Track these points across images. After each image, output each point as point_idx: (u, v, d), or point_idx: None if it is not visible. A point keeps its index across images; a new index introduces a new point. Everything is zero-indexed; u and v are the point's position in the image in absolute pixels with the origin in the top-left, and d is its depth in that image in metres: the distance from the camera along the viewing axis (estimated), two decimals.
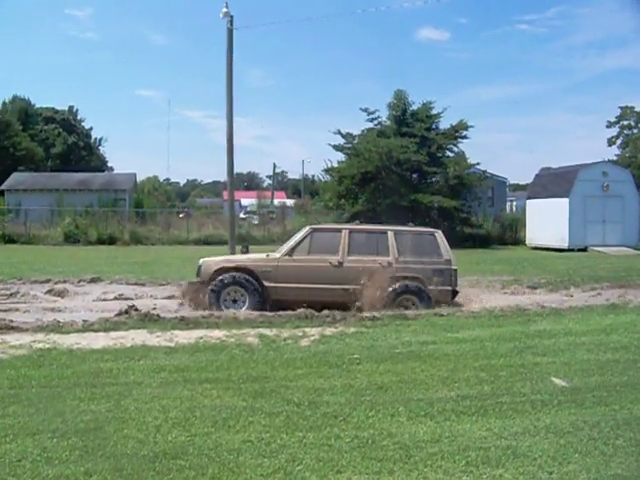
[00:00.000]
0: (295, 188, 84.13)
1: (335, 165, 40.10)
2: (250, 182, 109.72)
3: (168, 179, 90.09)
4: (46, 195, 45.24)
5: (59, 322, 10.16)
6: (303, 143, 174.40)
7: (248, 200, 61.20)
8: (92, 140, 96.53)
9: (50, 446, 5.05)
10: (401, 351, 8.40)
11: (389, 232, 12.68)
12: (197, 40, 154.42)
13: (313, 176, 76.68)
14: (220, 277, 11.99)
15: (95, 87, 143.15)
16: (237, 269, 12.24)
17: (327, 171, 41.23)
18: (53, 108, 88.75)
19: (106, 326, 9.83)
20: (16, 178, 53.10)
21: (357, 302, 11.72)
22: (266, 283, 12.12)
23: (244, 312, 11.22)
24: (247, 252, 13.47)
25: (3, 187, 50.74)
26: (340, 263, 12.25)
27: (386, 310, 11.50)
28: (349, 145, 39.65)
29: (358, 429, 5.46)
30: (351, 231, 12.72)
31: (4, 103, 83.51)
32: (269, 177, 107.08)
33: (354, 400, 6.26)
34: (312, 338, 9.23)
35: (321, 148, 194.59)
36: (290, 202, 58.05)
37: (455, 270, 12.69)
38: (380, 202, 36.41)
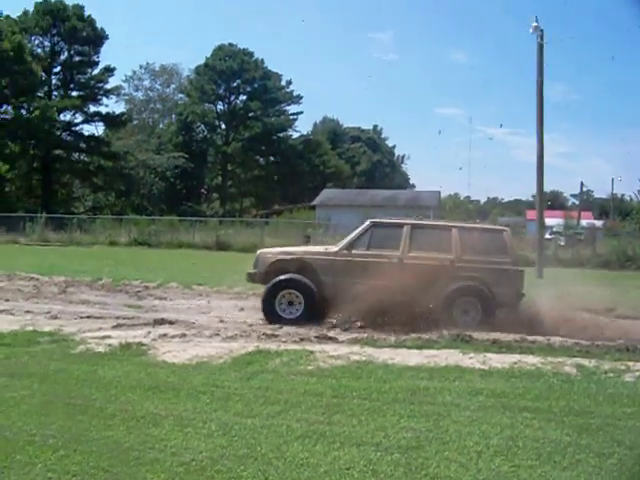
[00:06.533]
0: (602, 208, 79.27)
1: None
2: (554, 201, 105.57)
3: (469, 197, 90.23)
4: (354, 210, 47.68)
5: (373, 336, 10.47)
6: (611, 160, 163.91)
7: (552, 220, 58.93)
8: (395, 157, 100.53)
9: (375, 459, 5.17)
10: None
11: (453, 229, 11.78)
12: (497, 57, 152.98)
13: (622, 195, 71.75)
14: (273, 282, 11.55)
15: (397, 106, 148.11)
16: (294, 262, 11.87)
17: None
18: (359, 127, 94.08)
19: (418, 343, 9.92)
20: (326, 194, 57.13)
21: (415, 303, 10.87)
22: (323, 278, 11.61)
23: (558, 339, 10.50)
24: (309, 242, 13.08)
25: (315, 202, 54.85)
26: (400, 259, 11.46)
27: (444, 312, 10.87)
28: None
29: None
30: (413, 226, 11.90)
31: (315, 124, 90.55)
32: (573, 196, 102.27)
33: None
34: (637, 374, 8.46)
35: (633, 164, 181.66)
36: (599, 223, 54.90)
37: (522, 272, 11.59)
38: None
